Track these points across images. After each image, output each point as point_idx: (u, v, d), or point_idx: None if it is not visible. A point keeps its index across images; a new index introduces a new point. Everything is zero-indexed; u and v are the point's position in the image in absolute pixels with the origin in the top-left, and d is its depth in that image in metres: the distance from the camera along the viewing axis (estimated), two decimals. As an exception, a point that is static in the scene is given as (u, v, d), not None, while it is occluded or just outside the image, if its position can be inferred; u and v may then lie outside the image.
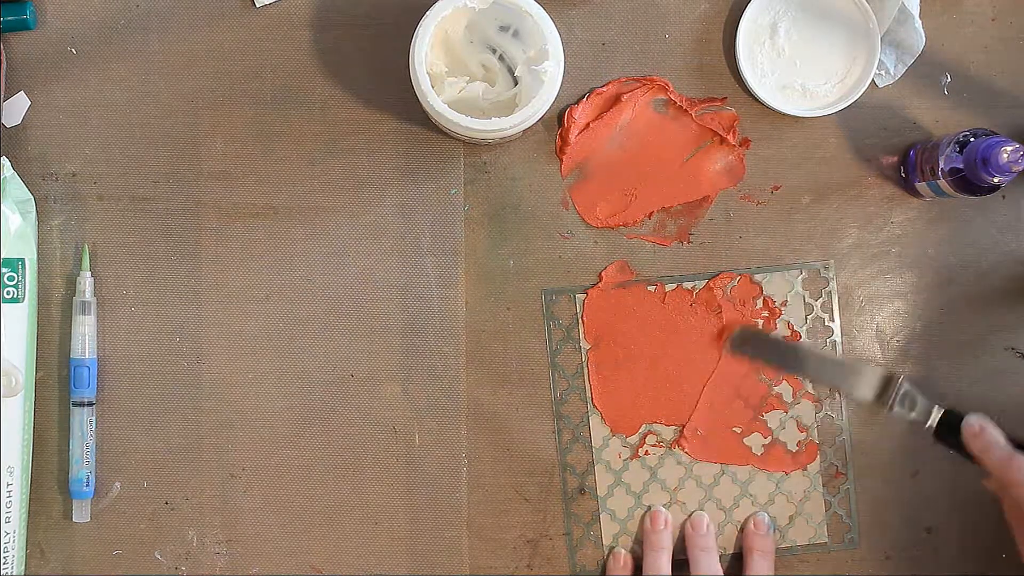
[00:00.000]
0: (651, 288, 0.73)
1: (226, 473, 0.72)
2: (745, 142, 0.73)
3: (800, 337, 0.73)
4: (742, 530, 0.73)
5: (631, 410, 0.73)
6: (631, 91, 0.72)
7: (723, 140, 0.73)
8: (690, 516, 0.73)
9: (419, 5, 0.64)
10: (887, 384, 0.68)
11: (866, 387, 0.69)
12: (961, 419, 0.66)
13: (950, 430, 0.67)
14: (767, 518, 0.72)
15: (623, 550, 0.72)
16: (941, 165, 0.67)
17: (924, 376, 0.73)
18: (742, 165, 0.73)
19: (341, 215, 0.72)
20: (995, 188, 0.66)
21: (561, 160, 0.72)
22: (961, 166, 0.66)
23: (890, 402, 0.68)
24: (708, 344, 0.73)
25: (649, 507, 0.73)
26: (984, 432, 0.65)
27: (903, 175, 0.73)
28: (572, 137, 0.72)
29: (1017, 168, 0.63)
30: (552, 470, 0.73)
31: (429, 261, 0.72)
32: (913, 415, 0.68)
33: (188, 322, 0.71)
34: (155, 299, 0.71)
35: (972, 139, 0.66)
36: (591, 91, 0.72)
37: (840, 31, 0.72)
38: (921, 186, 0.71)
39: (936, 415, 0.67)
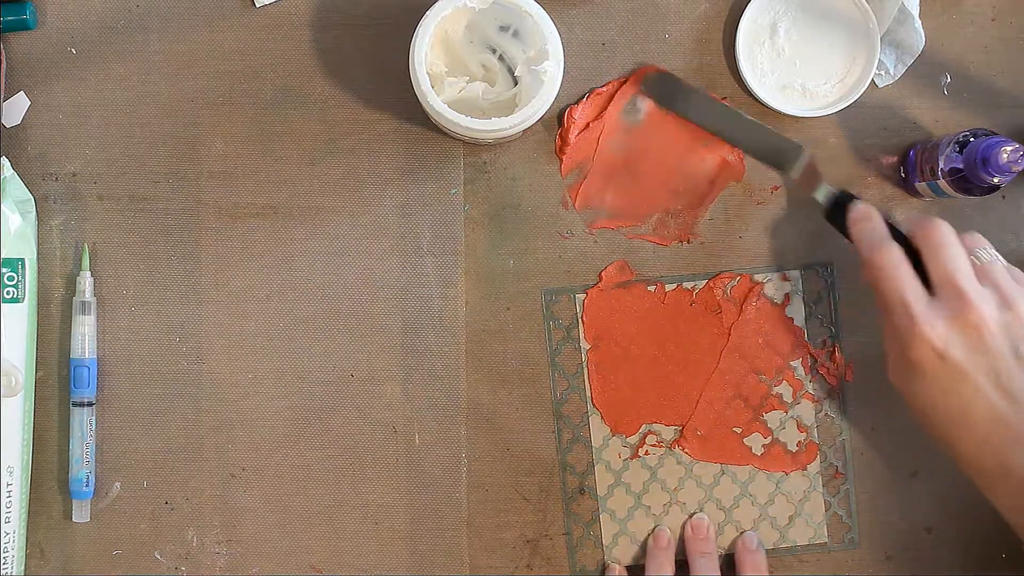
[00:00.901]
0: (651, 288, 0.73)
1: (226, 473, 0.72)
2: (745, 142, 0.73)
3: None
4: (734, 549, 0.73)
5: (631, 410, 0.73)
6: (627, 91, 0.72)
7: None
8: (690, 518, 0.73)
9: (419, 5, 0.64)
10: (795, 157, 0.67)
11: (777, 156, 0.68)
12: (843, 200, 0.66)
13: (841, 212, 0.67)
14: (756, 536, 0.72)
15: (618, 565, 0.72)
16: (941, 165, 0.67)
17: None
18: (742, 165, 0.73)
19: (341, 215, 0.72)
20: (995, 188, 0.66)
21: (561, 160, 0.72)
22: (961, 166, 0.66)
23: (793, 172, 0.67)
24: (708, 344, 0.73)
25: (656, 526, 0.73)
26: (868, 218, 0.65)
27: (903, 175, 0.73)
28: (572, 137, 0.72)
29: (1017, 168, 0.63)
30: (552, 470, 0.73)
31: (429, 261, 0.72)
32: (810, 191, 0.67)
33: (188, 322, 0.71)
34: (155, 299, 0.71)
35: (972, 139, 0.66)
36: (591, 91, 0.72)
37: (840, 31, 0.72)
38: (921, 186, 0.71)
39: (827, 193, 0.67)
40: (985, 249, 0.64)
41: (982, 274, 0.62)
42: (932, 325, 0.61)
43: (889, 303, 0.62)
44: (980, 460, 0.61)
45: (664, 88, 0.70)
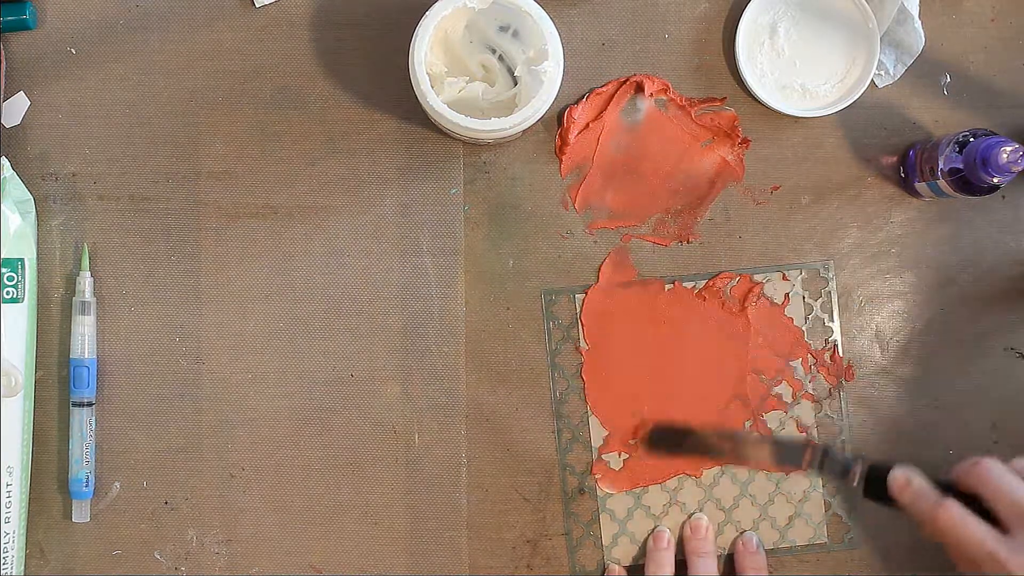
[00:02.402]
0: (651, 288, 0.73)
1: (226, 473, 0.72)
2: (745, 142, 0.73)
3: (802, 333, 0.73)
4: (733, 550, 0.73)
5: (630, 410, 0.73)
6: (627, 91, 0.72)
7: (723, 140, 0.73)
8: (689, 518, 0.73)
9: (419, 5, 0.64)
10: (810, 452, 0.68)
11: (792, 458, 0.69)
12: (886, 472, 0.66)
13: (877, 485, 0.66)
14: (756, 537, 0.72)
15: (617, 565, 0.72)
16: (941, 165, 0.67)
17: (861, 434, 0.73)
18: (742, 165, 0.73)
19: (341, 215, 0.72)
20: (995, 188, 0.66)
21: (561, 160, 0.72)
22: (961, 166, 0.66)
23: (816, 470, 0.68)
24: (707, 344, 0.73)
25: (655, 527, 0.73)
26: (910, 484, 0.65)
27: (903, 175, 0.73)
28: (572, 137, 0.72)
29: (1017, 168, 0.63)
30: (552, 470, 0.73)
31: (429, 261, 0.72)
32: (841, 479, 0.67)
33: (188, 322, 0.71)
34: (155, 299, 0.71)
35: (972, 139, 0.66)
36: (591, 91, 0.72)
37: (840, 31, 0.72)
38: (921, 186, 0.71)
39: (859, 472, 0.67)
40: None
41: None
42: (1017, 559, 0.60)
43: (971, 555, 0.62)
44: None
45: (670, 438, 0.71)
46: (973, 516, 0.62)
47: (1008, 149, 0.63)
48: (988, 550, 0.61)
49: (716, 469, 0.73)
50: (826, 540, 0.73)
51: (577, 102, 0.72)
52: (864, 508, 0.73)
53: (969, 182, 0.66)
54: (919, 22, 0.71)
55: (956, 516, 0.62)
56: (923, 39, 0.71)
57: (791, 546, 0.73)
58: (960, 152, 0.66)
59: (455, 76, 0.68)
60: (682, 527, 0.73)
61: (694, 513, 0.73)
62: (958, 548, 0.62)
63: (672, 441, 0.71)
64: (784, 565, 0.73)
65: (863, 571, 0.73)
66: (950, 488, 0.64)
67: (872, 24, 0.71)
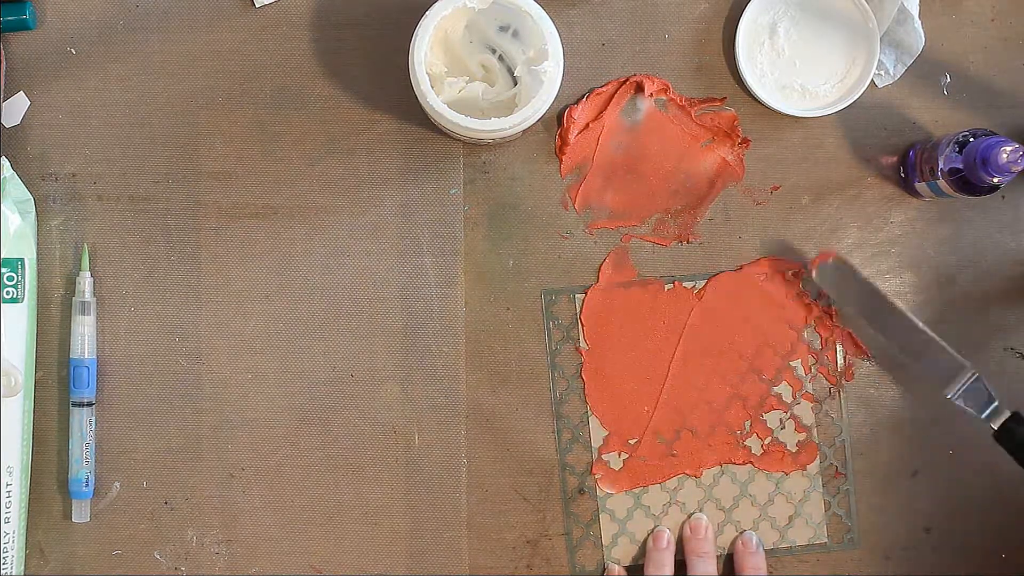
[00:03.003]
0: (650, 288, 0.73)
1: (225, 473, 0.72)
2: (745, 142, 0.73)
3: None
4: (732, 550, 0.73)
5: (630, 410, 0.73)
6: (627, 91, 0.72)
7: (723, 140, 0.73)
8: (689, 518, 0.73)
9: (419, 5, 0.64)
10: (956, 372, 0.68)
11: (939, 372, 0.69)
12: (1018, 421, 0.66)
13: (1012, 434, 0.67)
14: (755, 537, 0.72)
15: (617, 565, 0.72)
16: (941, 165, 0.67)
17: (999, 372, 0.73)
18: (742, 165, 0.73)
19: (341, 215, 0.72)
20: (995, 188, 0.66)
21: (561, 160, 0.72)
22: (961, 166, 0.66)
23: (956, 392, 0.68)
24: (707, 344, 0.73)
25: (655, 526, 0.73)
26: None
27: (903, 175, 0.73)
28: (572, 137, 0.72)
29: (1017, 168, 0.63)
30: (552, 470, 0.73)
31: (429, 261, 0.72)
32: (976, 411, 0.68)
33: (188, 322, 0.71)
34: (155, 299, 0.71)
35: (971, 139, 0.66)
36: (591, 91, 0.72)
37: (840, 31, 0.72)
38: (921, 186, 0.71)
39: (1001, 417, 0.67)
40: None
41: None
42: None
43: None
44: None
45: (842, 279, 0.70)
46: None
47: (1008, 149, 0.63)
48: None
49: (716, 469, 0.73)
50: (826, 540, 0.73)
51: (577, 102, 0.72)
52: (864, 507, 0.73)
53: (969, 182, 0.66)
54: (919, 22, 0.71)
55: None
56: (923, 39, 0.71)
57: (791, 546, 0.73)
58: (960, 152, 0.66)
59: (455, 76, 0.68)
60: (682, 527, 0.73)
61: (694, 513, 0.73)
62: None
63: (841, 283, 0.70)
64: (784, 565, 0.73)
65: (863, 571, 0.73)
66: None
67: (872, 24, 0.71)
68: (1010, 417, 0.68)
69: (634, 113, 0.73)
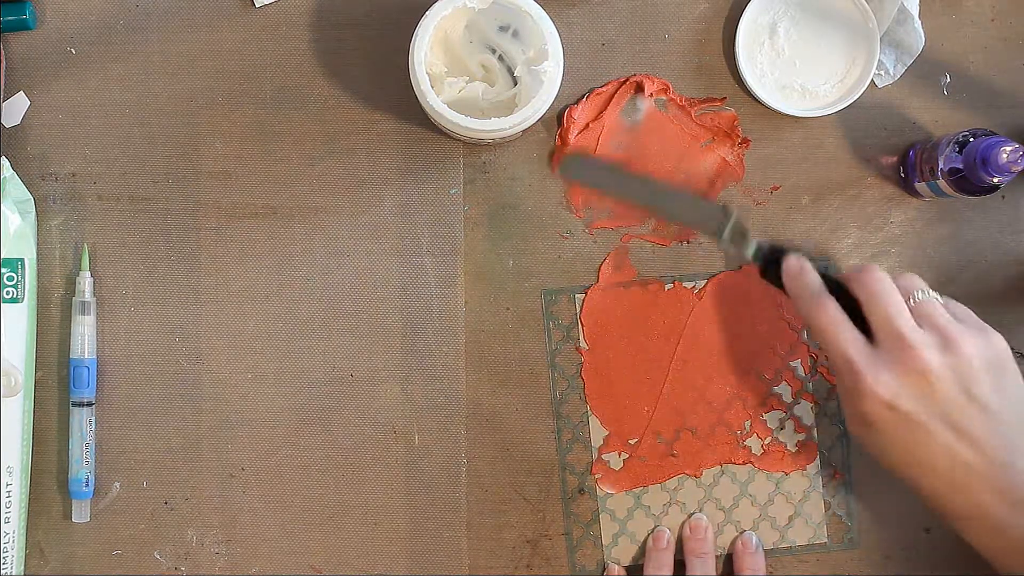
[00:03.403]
0: (651, 288, 0.73)
1: (225, 473, 0.72)
2: (745, 142, 0.73)
3: None
4: (732, 550, 0.73)
5: (630, 410, 0.73)
6: (627, 91, 0.72)
7: (723, 140, 0.73)
8: (689, 518, 0.73)
9: (419, 5, 0.64)
10: (724, 219, 0.66)
11: (705, 221, 0.67)
12: (783, 255, 0.65)
13: (776, 268, 0.65)
14: (755, 537, 0.72)
15: (617, 565, 0.72)
16: (940, 165, 0.67)
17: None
18: (741, 165, 0.73)
19: (341, 215, 0.72)
20: (995, 188, 0.66)
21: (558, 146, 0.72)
22: (961, 166, 0.66)
23: (723, 235, 0.66)
24: (707, 344, 0.73)
25: (655, 526, 0.73)
26: (801, 273, 0.64)
27: (903, 175, 0.73)
28: (572, 137, 0.72)
29: (1017, 168, 0.63)
30: (552, 470, 0.73)
31: (428, 261, 0.72)
32: (742, 251, 0.66)
33: (188, 322, 0.71)
34: (155, 299, 0.71)
35: (971, 139, 0.66)
36: (591, 91, 0.72)
37: (840, 31, 0.72)
38: (921, 186, 0.71)
39: (756, 250, 0.66)
40: (922, 290, 0.62)
41: (921, 317, 0.61)
42: (876, 378, 0.59)
43: (833, 360, 0.61)
44: (953, 505, 0.60)
45: (583, 168, 0.69)
46: (846, 320, 0.61)
47: (1008, 149, 0.63)
48: (848, 356, 0.60)
49: (716, 469, 0.73)
50: (826, 540, 0.73)
51: (577, 102, 0.72)
52: (864, 507, 0.73)
53: (969, 182, 0.66)
54: (919, 22, 0.71)
55: (829, 315, 0.61)
56: (923, 39, 0.71)
57: (791, 546, 0.73)
58: (960, 152, 0.66)
59: (455, 76, 0.68)
60: (681, 527, 0.73)
61: (694, 513, 0.73)
62: (826, 350, 0.62)
63: (586, 170, 0.68)
64: (784, 565, 0.73)
65: (863, 571, 0.73)
66: (839, 288, 0.63)
67: (872, 24, 0.71)
68: (769, 250, 0.66)
69: (634, 113, 0.73)
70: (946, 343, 0.60)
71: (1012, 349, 0.73)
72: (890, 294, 0.61)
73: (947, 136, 0.68)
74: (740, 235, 0.66)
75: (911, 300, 0.61)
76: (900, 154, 0.73)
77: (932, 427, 0.59)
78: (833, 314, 0.61)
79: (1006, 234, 0.73)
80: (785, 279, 0.65)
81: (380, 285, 0.72)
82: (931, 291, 0.62)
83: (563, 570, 0.73)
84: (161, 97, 0.72)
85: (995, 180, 0.64)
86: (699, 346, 0.73)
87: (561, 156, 0.70)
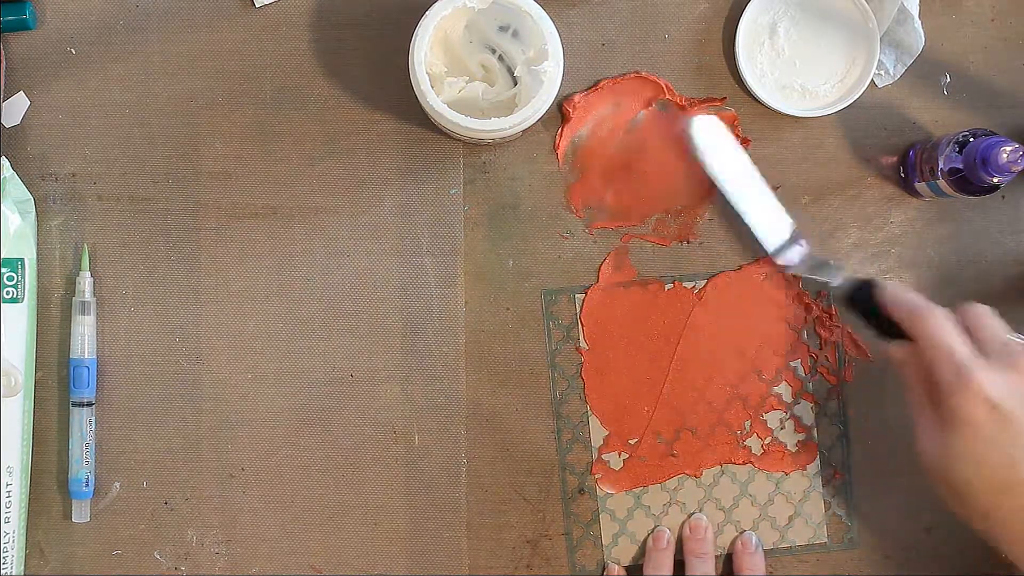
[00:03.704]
0: (651, 288, 0.73)
1: (225, 473, 0.72)
2: (745, 142, 0.73)
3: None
4: (731, 550, 0.73)
5: (630, 410, 0.73)
6: (627, 91, 0.72)
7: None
8: (688, 518, 0.73)
9: (419, 5, 0.64)
10: (802, 249, 0.69)
11: (780, 242, 0.70)
12: (868, 285, 0.66)
13: (862, 298, 0.67)
14: (755, 537, 0.72)
15: (616, 565, 0.72)
16: (940, 165, 0.67)
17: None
18: (742, 165, 0.73)
19: (341, 215, 0.72)
20: (995, 188, 0.66)
21: (560, 135, 0.72)
22: (961, 166, 0.66)
23: (803, 265, 0.69)
24: (707, 344, 0.73)
25: (655, 526, 0.73)
26: (903, 291, 0.65)
27: (903, 175, 0.73)
28: (571, 111, 0.71)
29: (1017, 168, 0.63)
30: (552, 470, 0.73)
31: (428, 261, 0.72)
32: (824, 277, 0.68)
33: (188, 322, 0.71)
34: (155, 299, 0.71)
35: (971, 139, 0.66)
36: (597, 82, 0.72)
37: (840, 31, 0.72)
38: (921, 186, 0.71)
39: (843, 276, 0.68)
40: (1015, 335, 0.64)
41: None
42: (987, 376, 0.60)
43: (940, 362, 0.61)
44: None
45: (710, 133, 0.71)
46: (957, 328, 0.62)
47: (1008, 149, 0.63)
48: (960, 359, 0.61)
49: (716, 469, 0.73)
50: (826, 540, 0.73)
51: (574, 95, 0.72)
52: (864, 507, 0.73)
53: (969, 182, 0.66)
54: (919, 22, 0.71)
55: (942, 322, 0.62)
56: (923, 39, 0.71)
57: (791, 546, 0.73)
58: (960, 152, 0.66)
59: (455, 76, 0.68)
60: (681, 527, 0.73)
61: (693, 513, 0.73)
62: (932, 354, 0.62)
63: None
64: (784, 565, 0.73)
65: (863, 571, 0.73)
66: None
67: (872, 24, 0.71)
68: (856, 282, 0.67)
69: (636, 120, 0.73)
70: None
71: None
72: (1000, 324, 0.63)
73: (947, 136, 0.68)
74: (823, 265, 0.69)
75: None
76: (900, 154, 0.73)
77: None
78: (944, 321, 0.62)
79: (1006, 234, 0.73)
80: (890, 301, 0.65)
81: (380, 285, 0.72)
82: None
83: (563, 570, 0.73)
84: (161, 97, 0.72)
85: (995, 180, 0.64)
86: (699, 346, 0.73)
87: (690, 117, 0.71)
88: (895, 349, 0.65)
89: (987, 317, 0.63)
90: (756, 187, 0.71)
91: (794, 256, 0.69)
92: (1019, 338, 0.64)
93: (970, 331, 0.63)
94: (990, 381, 0.60)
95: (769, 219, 0.70)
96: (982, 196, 0.69)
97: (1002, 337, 0.62)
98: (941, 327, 0.62)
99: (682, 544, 0.72)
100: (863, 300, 0.66)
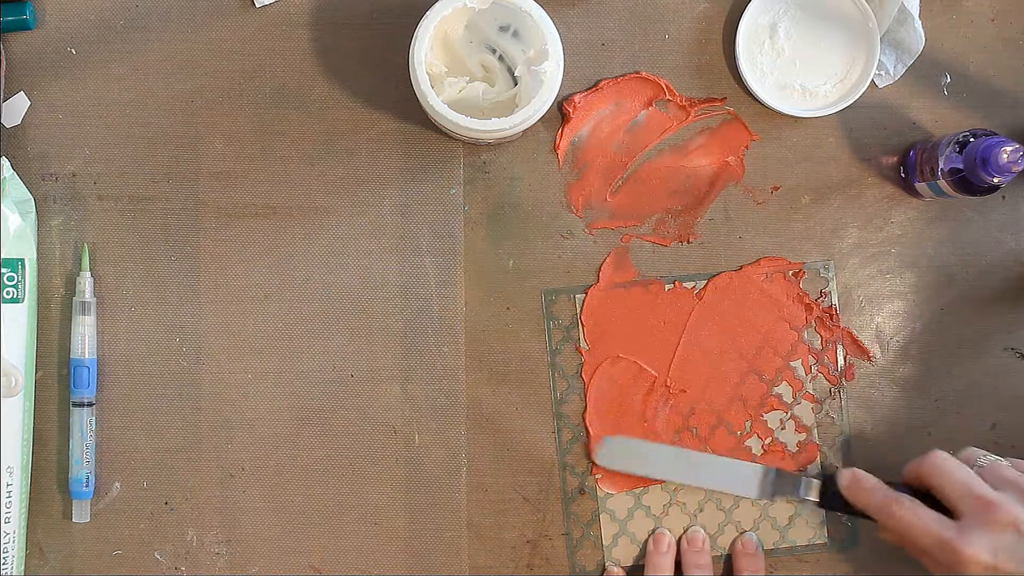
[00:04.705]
0: (651, 288, 0.73)
1: (225, 473, 0.72)
2: (752, 136, 0.73)
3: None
4: (732, 551, 0.73)
5: (630, 411, 0.73)
6: (627, 91, 0.72)
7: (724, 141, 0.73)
8: (686, 532, 0.73)
9: (419, 5, 0.64)
10: (763, 476, 0.70)
11: (745, 483, 0.70)
12: (832, 480, 0.68)
13: (834, 495, 0.68)
14: (755, 538, 0.72)
15: (616, 566, 0.72)
16: (941, 165, 0.67)
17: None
18: (741, 165, 0.73)
19: (341, 215, 0.72)
20: (995, 188, 0.66)
21: (560, 135, 0.72)
22: (961, 166, 0.66)
23: (767, 493, 0.70)
24: (707, 344, 0.73)
25: (655, 528, 0.73)
26: (857, 480, 0.67)
27: (903, 175, 0.73)
28: (572, 111, 0.71)
29: (1017, 168, 0.63)
30: (552, 470, 0.73)
31: (429, 261, 0.72)
32: (800, 495, 0.70)
33: (188, 322, 0.71)
34: (155, 299, 0.71)
35: (972, 139, 0.66)
36: (598, 81, 0.72)
37: (840, 31, 0.72)
38: (921, 186, 0.71)
39: (815, 487, 0.69)
40: (984, 456, 0.65)
41: (993, 478, 0.63)
42: (972, 542, 0.60)
43: (924, 546, 0.62)
44: None
45: (621, 454, 0.71)
46: (925, 507, 0.63)
47: (1008, 149, 0.63)
48: (940, 537, 0.61)
49: (716, 469, 0.73)
50: (826, 540, 0.73)
51: (574, 95, 0.72)
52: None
53: (969, 182, 0.66)
54: (919, 22, 0.71)
55: (908, 507, 0.63)
56: (923, 39, 0.71)
57: (791, 546, 0.73)
58: (960, 152, 0.66)
59: (455, 76, 0.68)
60: (680, 539, 0.72)
61: (691, 527, 0.73)
62: (913, 540, 0.63)
63: (622, 455, 0.71)
64: (784, 565, 0.73)
65: (863, 571, 0.73)
66: (901, 488, 0.66)
67: (872, 24, 0.71)
68: (824, 479, 0.69)
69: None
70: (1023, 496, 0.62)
71: (1012, 349, 0.73)
72: (959, 468, 0.63)
73: (947, 136, 0.68)
74: (789, 484, 0.69)
75: (975, 467, 0.64)
76: (900, 154, 0.73)
77: None
78: (909, 504, 0.64)
79: (1006, 234, 0.73)
80: (847, 493, 0.67)
81: (380, 285, 0.72)
82: (990, 454, 0.65)
83: (563, 570, 0.73)
84: (161, 97, 0.72)
85: (995, 180, 0.64)
86: (699, 346, 0.73)
87: (597, 442, 0.72)
88: (883, 533, 0.66)
89: (947, 472, 0.64)
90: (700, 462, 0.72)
91: (767, 489, 0.70)
92: (991, 460, 0.65)
93: (935, 491, 0.64)
94: (977, 547, 0.60)
95: (730, 476, 0.71)
96: (982, 196, 0.69)
97: (966, 487, 0.62)
98: (914, 514, 0.63)
99: (680, 555, 0.72)
100: (832, 498, 0.69)
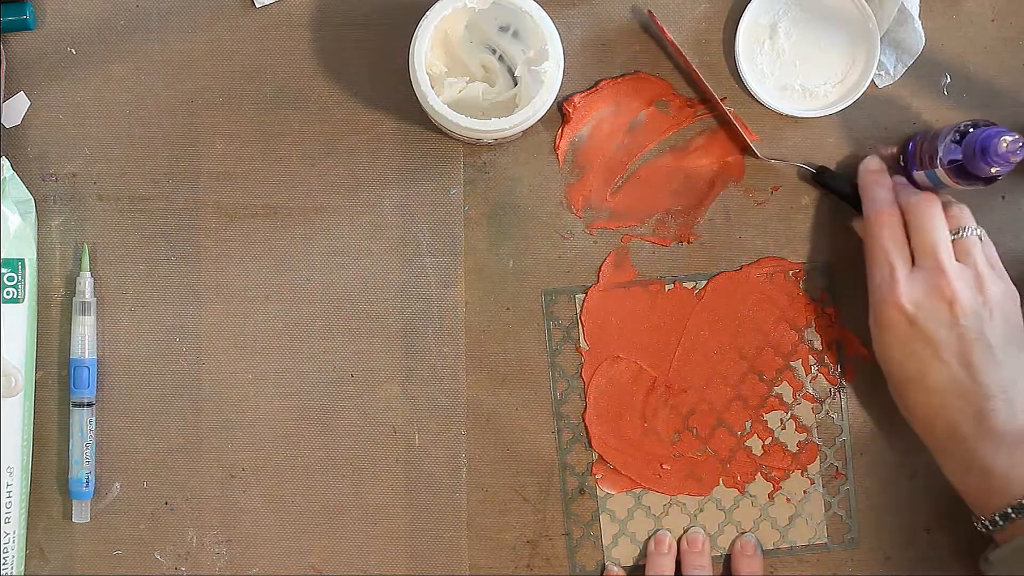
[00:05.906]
0: (651, 288, 0.73)
1: (225, 473, 0.72)
2: (752, 136, 0.73)
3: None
4: (731, 552, 0.73)
5: (630, 411, 0.73)
6: (627, 91, 0.72)
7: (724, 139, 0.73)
8: (686, 532, 0.72)
9: (419, 5, 0.64)
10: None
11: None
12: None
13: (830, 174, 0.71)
14: (754, 539, 0.72)
15: (616, 566, 0.72)
16: (940, 155, 0.67)
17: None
18: (742, 165, 0.73)
19: (341, 215, 0.72)
20: (993, 179, 0.65)
21: (560, 135, 0.72)
22: (960, 156, 0.66)
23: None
24: (707, 344, 0.73)
25: (656, 529, 0.73)
26: (880, 173, 0.70)
27: (902, 164, 0.73)
28: (572, 111, 0.71)
29: (1016, 158, 0.63)
30: (552, 470, 0.73)
31: (428, 261, 0.72)
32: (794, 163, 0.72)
33: (188, 322, 0.72)
34: (155, 299, 0.71)
35: (971, 129, 0.66)
36: (598, 81, 0.72)
37: (840, 32, 0.72)
38: (919, 176, 0.71)
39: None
40: (968, 227, 0.68)
41: (961, 251, 0.67)
42: (909, 292, 0.65)
43: (877, 261, 0.67)
44: (933, 422, 0.66)
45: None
46: (903, 233, 0.67)
47: (1008, 139, 0.63)
48: (892, 263, 0.66)
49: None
50: (826, 540, 0.73)
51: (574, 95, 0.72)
52: (864, 507, 0.73)
53: (968, 172, 0.66)
54: (919, 22, 0.71)
55: (891, 223, 0.67)
56: (923, 39, 0.71)
57: (791, 546, 0.73)
58: (959, 142, 0.66)
59: (455, 76, 0.68)
60: (679, 540, 0.72)
61: (691, 528, 0.73)
62: (874, 250, 0.68)
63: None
64: (784, 565, 0.73)
65: (863, 571, 0.73)
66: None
67: (872, 24, 0.71)
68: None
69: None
70: (978, 282, 0.66)
71: (1012, 348, 0.73)
72: (939, 228, 0.66)
73: (947, 126, 0.68)
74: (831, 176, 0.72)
75: (959, 233, 0.67)
76: (900, 144, 0.73)
77: (941, 348, 0.65)
78: (895, 223, 0.67)
79: (1006, 234, 0.73)
80: (863, 173, 0.70)
81: (380, 285, 0.72)
82: (977, 228, 0.68)
83: (563, 570, 0.73)
84: (161, 97, 0.72)
85: (994, 170, 0.64)
86: (699, 346, 0.73)
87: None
88: (857, 223, 0.70)
89: (929, 216, 0.67)
90: None
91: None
92: (971, 232, 0.67)
93: (911, 229, 0.67)
94: (912, 299, 0.65)
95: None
96: (980, 187, 0.69)
97: (938, 243, 0.66)
98: (891, 232, 0.67)
99: (680, 557, 0.72)
100: (830, 177, 0.71)
